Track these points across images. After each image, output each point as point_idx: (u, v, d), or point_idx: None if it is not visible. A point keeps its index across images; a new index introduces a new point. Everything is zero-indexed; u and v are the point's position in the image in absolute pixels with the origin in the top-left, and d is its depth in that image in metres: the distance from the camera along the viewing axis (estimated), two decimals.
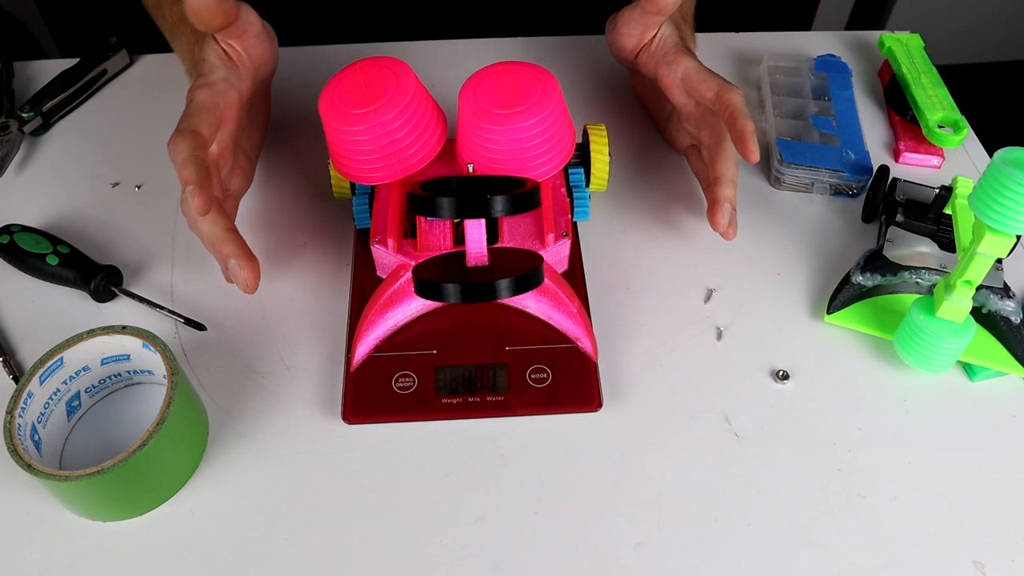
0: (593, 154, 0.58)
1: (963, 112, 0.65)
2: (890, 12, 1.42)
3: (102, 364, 0.49)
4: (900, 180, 0.60)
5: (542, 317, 0.52)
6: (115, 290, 0.55)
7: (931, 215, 0.56)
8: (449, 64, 0.68)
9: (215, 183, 0.51)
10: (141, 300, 0.55)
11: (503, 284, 0.45)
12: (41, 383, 0.46)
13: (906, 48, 0.71)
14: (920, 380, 0.52)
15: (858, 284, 0.54)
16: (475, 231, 0.49)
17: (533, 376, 0.50)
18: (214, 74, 0.53)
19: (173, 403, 0.44)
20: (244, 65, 0.55)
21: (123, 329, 0.47)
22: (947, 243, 0.55)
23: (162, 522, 0.45)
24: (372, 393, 0.49)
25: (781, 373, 0.52)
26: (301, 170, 0.64)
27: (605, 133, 0.58)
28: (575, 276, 0.55)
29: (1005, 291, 0.52)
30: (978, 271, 0.46)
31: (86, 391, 0.49)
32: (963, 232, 0.50)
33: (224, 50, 0.54)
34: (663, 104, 0.64)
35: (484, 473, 0.47)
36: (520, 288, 0.46)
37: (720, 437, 0.49)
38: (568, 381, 0.50)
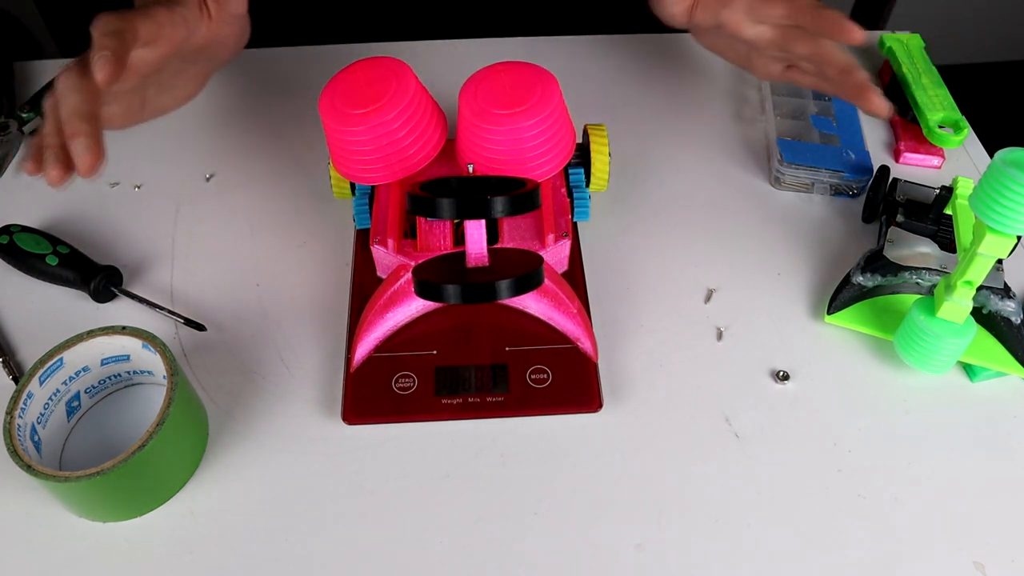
0: (593, 154, 0.58)
1: (963, 112, 0.65)
2: (890, 12, 1.42)
3: (102, 364, 0.49)
4: (900, 180, 0.60)
5: (542, 318, 0.52)
6: (115, 290, 0.55)
7: (931, 215, 0.56)
8: (449, 64, 0.68)
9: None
10: (141, 300, 0.55)
11: (503, 285, 0.45)
12: (41, 384, 0.46)
13: (906, 48, 0.71)
14: (920, 380, 0.52)
15: (858, 284, 0.54)
16: (475, 231, 0.49)
17: (533, 376, 0.50)
18: (180, 6, 0.51)
19: (173, 403, 0.44)
20: (208, 25, 0.54)
21: (123, 329, 0.47)
22: (947, 243, 0.55)
23: (162, 522, 0.45)
24: (372, 393, 0.49)
25: (781, 373, 0.52)
26: (301, 170, 0.64)
27: (605, 133, 0.58)
28: (575, 276, 0.55)
29: (1005, 292, 0.52)
30: (979, 272, 0.46)
31: (86, 391, 0.49)
32: (963, 232, 0.50)
33: (201, 1, 0.53)
34: (737, 47, 0.62)
35: (484, 473, 0.47)
36: (520, 289, 0.46)
37: (720, 437, 0.49)
38: (568, 381, 0.50)
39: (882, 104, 0.53)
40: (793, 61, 0.59)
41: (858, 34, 0.52)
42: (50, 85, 0.68)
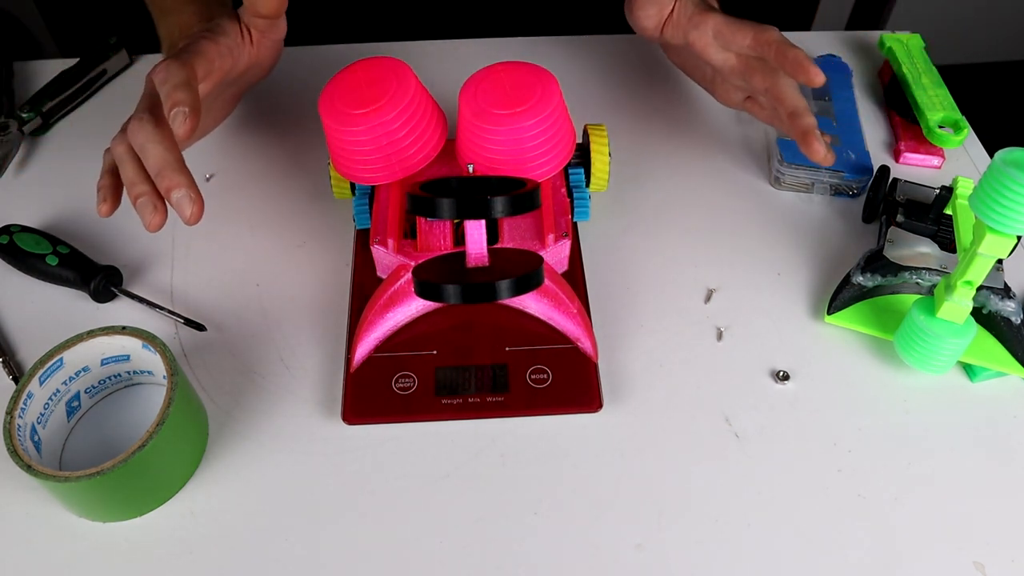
0: (593, 154, 0.58)
1: (963, 112, 0.65)
2: (890, 12, 1.42)
3: (102, 364, 0.49)
4: (900, 180, 0.60)
5: (542, 318, 0.52)
6: (115, 290, 0.55)
7: (931, 215, 0.56)
8: (449, 64, 0.68)
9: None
10: (141, 300, 0.55)
11: (503, 285, 0.45)
12: (41, 384, 0.46)
13: (906, 48, 0.71)
14: (920, 380, 0.52)
15: (858, 284, 0.54)
16: (475, 232, 0.49)
17: (533, 376, 0.50)
18: (224, 37, 0.53)
19: (173, 404, 0.44)
20: (249, 51, 0.55)
21: (123, 330, 0.47)
22: (947, 243, 0.55)
23: (162, 522, 0.45)
24: (372, 393, 0.49)
25: (781, 373, 0.52)
26: (301, 170, 0.64)
27: (605, 133, 0.58)
28: (575, 276, 0.55)
29: (1005, 292, 0.52)
30: (979, 272, 0.46)
31: (86, 391, 0.49)
32: (964, 232, 0.50)
33: (242, 28, 0.55)
34: (703, 69, 0.63)
35: (484, 473, 0.47)
36: (520, 289, 0.46)
37: (720, 437, 0.49)
38: (568, 381, 0.50)
39: (822, 151, 0.54)
40: (752, 93, 0.60)
41: (819, 77, 0.52)
42: (50, 85, 0.68)
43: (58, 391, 0.47)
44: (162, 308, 0.54)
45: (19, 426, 0.44)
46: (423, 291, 0.47)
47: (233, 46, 0.54)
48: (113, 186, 0.50)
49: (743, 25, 0.56)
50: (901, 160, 0.66)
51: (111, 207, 0.50)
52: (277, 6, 0.52)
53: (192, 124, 0.46)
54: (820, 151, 0.54)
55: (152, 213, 0.48)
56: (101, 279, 0.54)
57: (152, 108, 0.49)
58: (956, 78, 0.76)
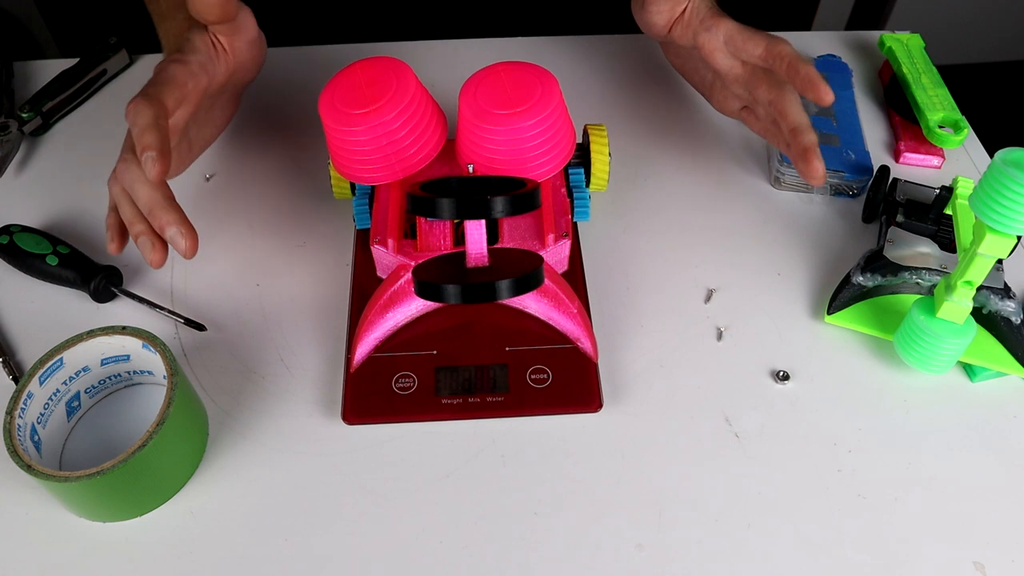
0: (593, 154, 0.58)
1: (963, 112, 0.65)
2: (890, 12, 1.42)
3: (102, 364, 0.49)
4: (900, 180, 0.60)
5: (542, 318, 0.52)
6: (115, 290, 0.55)
7: (931, 215, 0.56)
8: (449, 64, 0.68)
9: None
10: (141, 300, 0.55)
11: (503, 285, 0.45)
12: (41, 384, 0.46)
13: (906, 48, 0.71)
14: (920, 380, 0.52)
15: (858, 284, 0.54)
16: (475, 232, 0.49)
17: (533, 376, 0.50)
18: (193, 55, 0.53)
19: (173, 403, 0.44)
20: (226, 60, 0.55)
21: (123, 330, 0.47)
22: (947, 243, 0.55)
23: (162, 522, 0.45)
24: (372, 393, 0.49)
25: (781, 373, 0.52)
26: (301, 170, 0.64)
27: (605, 133, 0.58)
28: (575, 276, 0.55)
29: (1005, 292, 0.52)
30: (979, 272, 0.46)
31: (86, 391, 0.49)
32: (964, 232, 0.50)
33: (212, 40, 0.54)
34: (703, 73, 0.63)
35: (484, 473, 0.47)
36: (520, 289, 0.46)
37: (720, 437, 0.49)
38: (568, 381, 0.50)
39: (821, 170, 0.53)
40: (751, 104, 0.60)
41: (829, 96, 0.52)
42: (50, 85, 0.68)
43: (58, 391, 0.47)
44: (162, 308, 0.54)
45: (19, 426, 0.44)
46: (423, 291, 0.47)
47: (205, 61, 0.53)
48: (118, 224, 0.52)
49: (756, 34, 0.55)
50: (901, 160, 0.66)
51: (119, 246, 0.52)
52: (220, 11, 0.51)
53: (161, 167, 0.47)
54: (819, 170, 0.53)
55: (152, 251, 0.50)
56: (101, 279, 0.54)
57: (135, 146, 0.49)
58: (956, 78, 0.76)
